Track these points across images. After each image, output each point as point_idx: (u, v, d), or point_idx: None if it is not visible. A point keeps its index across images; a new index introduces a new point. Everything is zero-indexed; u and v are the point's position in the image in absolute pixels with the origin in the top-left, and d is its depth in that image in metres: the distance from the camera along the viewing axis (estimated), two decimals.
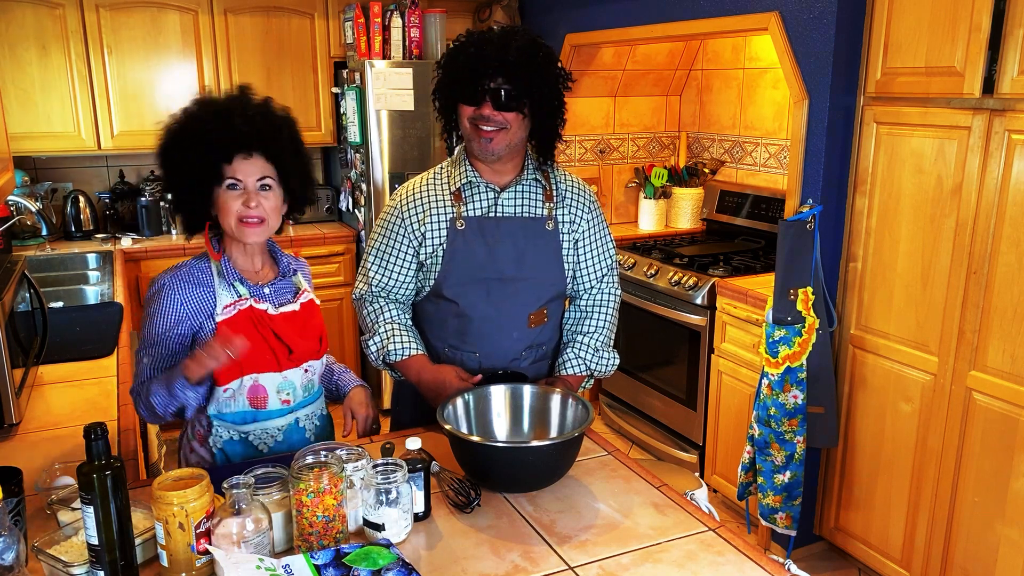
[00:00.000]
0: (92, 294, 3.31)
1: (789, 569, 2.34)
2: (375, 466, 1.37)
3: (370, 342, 1.87)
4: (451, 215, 1.84)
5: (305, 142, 1.69)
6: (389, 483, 1.33)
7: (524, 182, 1.86)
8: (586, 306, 1.96)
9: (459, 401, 1.65)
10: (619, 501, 1.52)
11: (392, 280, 1.88)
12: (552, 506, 1.50)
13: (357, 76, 3.87)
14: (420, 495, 1.42)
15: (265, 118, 1.58)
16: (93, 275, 3.53)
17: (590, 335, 1.94)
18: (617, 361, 1.98)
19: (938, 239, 2.37)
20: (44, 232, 3.86)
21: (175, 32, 3.84)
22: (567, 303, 2.01)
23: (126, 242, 3.85)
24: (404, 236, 1.86)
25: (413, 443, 1.45)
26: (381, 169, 3.89)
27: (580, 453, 1.63)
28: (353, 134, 3.96)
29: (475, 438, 1.57)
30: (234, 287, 1.61)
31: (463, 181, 1.84)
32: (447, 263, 1.83)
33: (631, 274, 3.62)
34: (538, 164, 1.88)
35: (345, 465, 1.39)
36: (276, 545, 1.32)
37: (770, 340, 2.64)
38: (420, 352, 1.85)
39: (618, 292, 2.00)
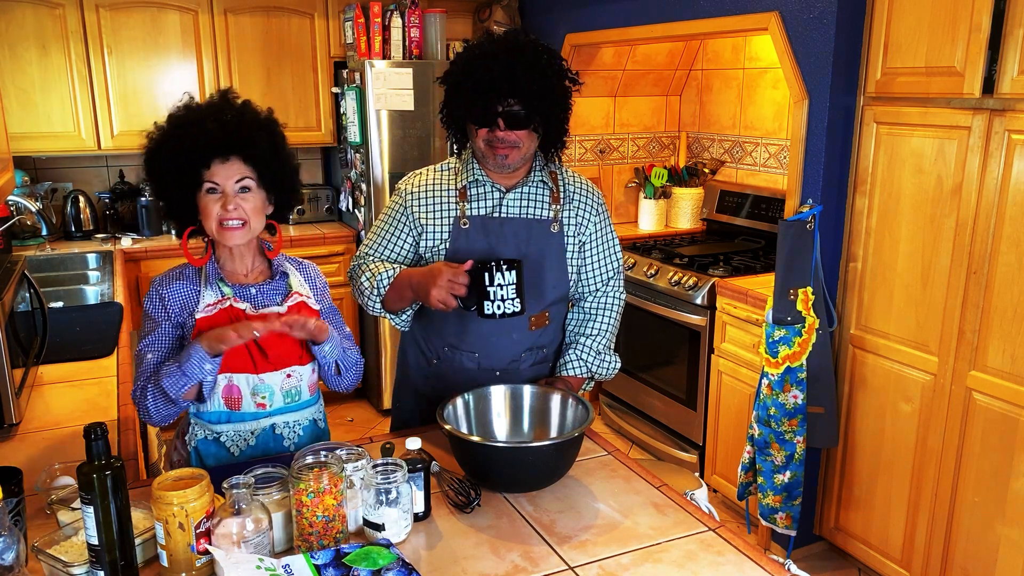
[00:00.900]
0: (92, 294, 3.31)
1: (789, 569, 2.34)
2: (375, 466, 1.37)
3: (364, 287, 1.84)
4: (455, 213, 1.84)
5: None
6: (389, 483, 1.33)
7: (531, 183, 1.86)
8: (590, 308, 1.96)
9: (459, 401, 1.65)
10: (619, 501, 1.52)
11: (385, 252, 1.89)
12: (552, 506, 1.50)
13: (357, 76, 3.87)
14: (420, 495, 1.42)
15: (241, 121, 1.59)
16: (93, 275, 3.53)
17: (593, 337, 1.93)
18: (618, 365, 1.97)
19: (938, 239, 2.37)
20: (44, 232, 3.87)
21: (175, 32, 3.84)
22: (571, 305, 2.01)
23: (126, 242, 3.85)
24: (405, 225, 1.88)
25: (413, 443, 1.45)
26: (381, 169, 3.89)
27: (580, 453, 1.63)
28: (353, 134, 3.95)
29: (475, 438, 1.57)
30: (218, 286, 1.62)
31: (469, 179, 1.85)
32: (450, 259, 1.83)
33: (631, 274, 3.62)
34: (544, 164, 1.87)
35: (345, 465, 1.40)
36: (276, 545, 1.32)
37: (770, 340, 2.64)
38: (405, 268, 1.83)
39: (623, 296, 2.00)
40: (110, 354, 2.34)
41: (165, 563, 1.23)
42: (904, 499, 2.58)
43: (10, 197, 2.90)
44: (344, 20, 4.03)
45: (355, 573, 1.19)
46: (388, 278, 1.81)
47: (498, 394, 1.70)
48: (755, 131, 3.92)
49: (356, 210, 4.09)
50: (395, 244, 1.90)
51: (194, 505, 1.21)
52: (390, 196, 2.00)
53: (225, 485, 1.23)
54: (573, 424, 1.63)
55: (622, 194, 4.42)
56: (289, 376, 1.66)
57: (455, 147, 1.91)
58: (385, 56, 3.91)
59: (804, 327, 2.60)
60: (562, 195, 1.88)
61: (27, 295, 2.17)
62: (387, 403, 4.08)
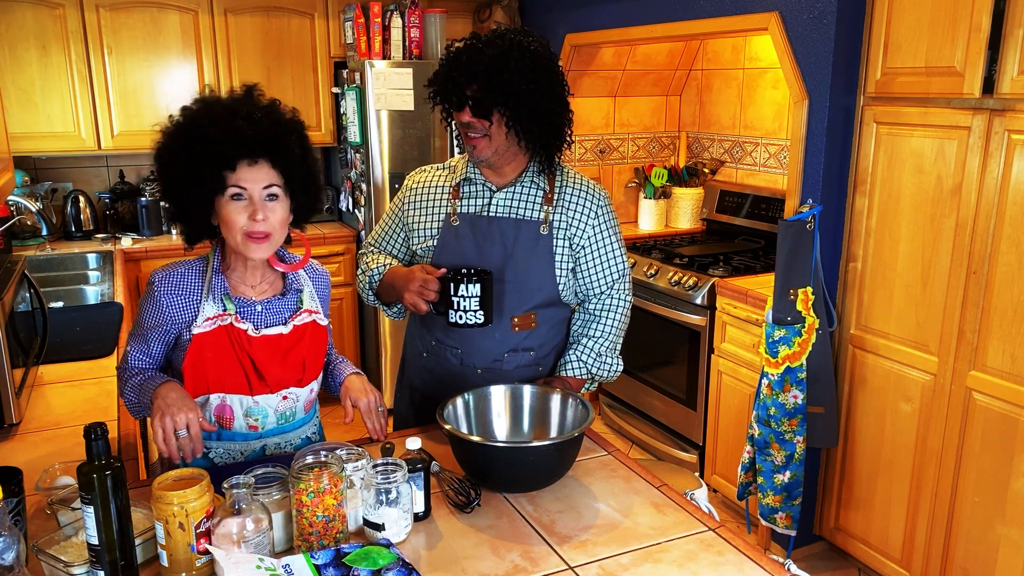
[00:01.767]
0: (92, 294, 3.31)
1: (789, 569, 2.34)
2: (375, 466, 1.37)
3: (360, 278, 1.98)
4: (446, 211, 1.87)
5: None
6: (389, 483, 1.33)
7: (522, 183, 1.85)
8: (594, 310, 1.95)
9: (459, 401, 1.65)
10: (619, 501, 1.52)
11: (385, 246, 2.01)
12: (552, 506, 1.50)
13: (357, 76, 3.87)
14: (420, 495, 1.42)
15: (272, 121, 1.47)
16: (93, 275, 3.54)
17: (594, 339, 1.92)
18: (620, 367, 1.96)
19: (938, 239, 2.37)
20: (44, 232, 3.87)
21: (175, 32, 3.84)
22: (574, 308, 2.00)
23: (126, 242, 3.85)
24: (400, 221, 1.97)
25: (413, 443, 1.45)
26: (381, 169, 3.89)
27: (580, 453, 1.63)
28: (353, 134, 3.96)
29: (475, 438, 1.57)
30: (222, 301, 1.53)
31: (463, 177, 1.88)
32: (437, 257, 1.86)
33: (631, 274, 3.62)
34: (542, 168, 1.85)
35: (345, 465, 1.40)
36: (276, 545, 1.32)
37: (770, 340, 2.64)
38: (397, 264, 1.94)
39: (629, 299, 1.98)
40: (110, 354, 2.34)
41: (165, 563, 1.23)
42: (904, 499, 2.58)
43: (10, 197, 2.90)
44: (344, 20, 4.03)
45: (355, 573, 1.19)
46: (379, 273, 1.92)
47: (498, 394, 1.70)
48: (755, 131, 3.92)
49: (356, 210, 4.09)
50: (392, 239, 2.00)
51: (194, 505, 1.21)
52: (390, 196, 2.04)
53: (225, 485, 1.23)
54: (573, 424, 1.63)
55: (622, 194, 4.42)
56: (285, 398, 1.60)
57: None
58: (385, 56, 3.91)
59: (804, 327, 2.60)
60: (557, 197, 1.86)
61: (27, 295, 2.17)
62: (387, 403, 4.08)
